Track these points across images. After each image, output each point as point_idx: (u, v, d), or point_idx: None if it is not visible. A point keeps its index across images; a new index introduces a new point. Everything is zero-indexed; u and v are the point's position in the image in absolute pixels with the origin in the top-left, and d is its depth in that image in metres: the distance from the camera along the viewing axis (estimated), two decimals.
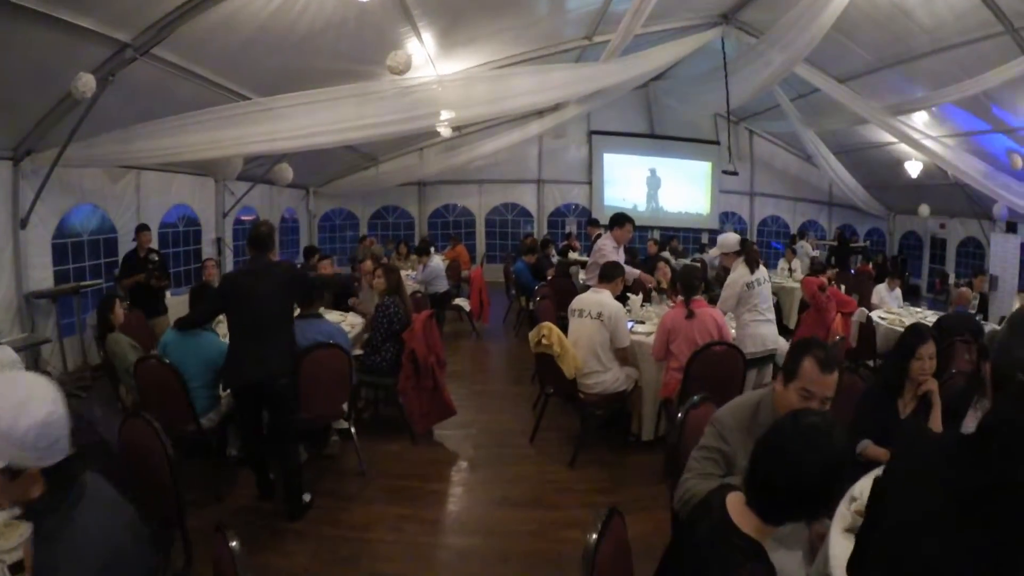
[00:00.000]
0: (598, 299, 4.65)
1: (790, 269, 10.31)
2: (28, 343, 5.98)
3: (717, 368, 4.21)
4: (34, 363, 6.33)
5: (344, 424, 4.43)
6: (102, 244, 7.53)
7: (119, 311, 4.78)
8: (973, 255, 12.66)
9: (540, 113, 12.21)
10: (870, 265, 12.29)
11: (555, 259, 10.51)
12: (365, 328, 5.48)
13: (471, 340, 8.79)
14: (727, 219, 15.75)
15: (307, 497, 3.87)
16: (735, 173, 12.31)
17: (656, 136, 15.02)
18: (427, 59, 7.45)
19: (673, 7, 8.07)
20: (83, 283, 6.87)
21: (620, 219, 6.48)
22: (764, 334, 4.87)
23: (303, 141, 6.40)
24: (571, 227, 14.76)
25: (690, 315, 4.39)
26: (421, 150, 13.62)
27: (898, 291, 8.23)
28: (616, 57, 7.95)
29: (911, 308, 7.83)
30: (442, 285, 8.67)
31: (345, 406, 4.34)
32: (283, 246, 12.66)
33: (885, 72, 8.83)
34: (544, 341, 4.41)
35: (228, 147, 6.20)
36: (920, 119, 9.52)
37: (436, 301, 8.18)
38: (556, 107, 11.83)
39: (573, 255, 11.05)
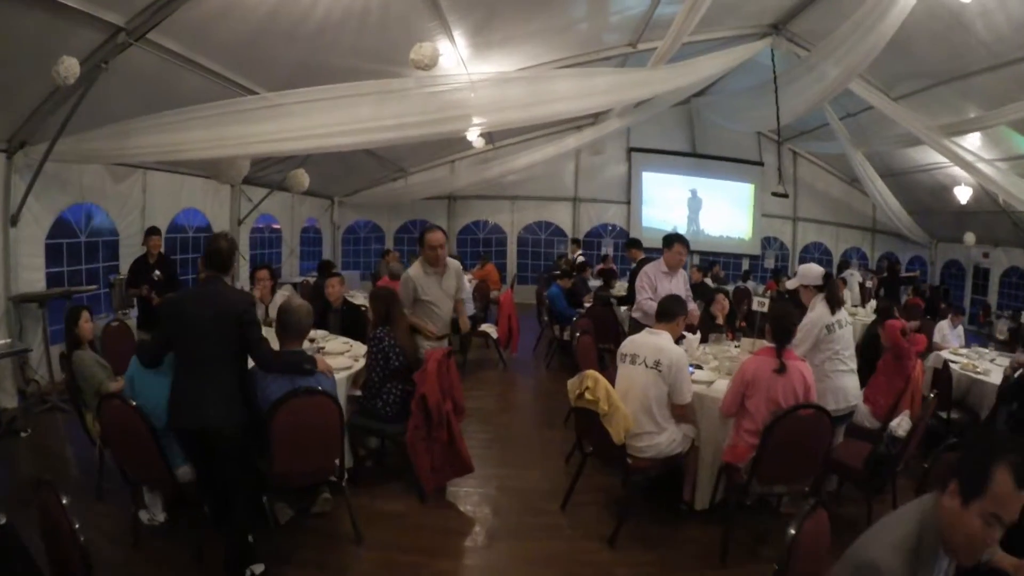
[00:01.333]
0: (656, 343, 3.72)
1: None
2: (8, 351, 5.45)
3: (797, 435, 3.36)
4: (20, 371, 5.91)
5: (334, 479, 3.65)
6: (101, 247, 7.07)
7: (86, 324, 4.21)
8: (1017, 286, 12.17)
9: (578, 127, 11.67)
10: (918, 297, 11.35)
11: (591, 283, 9.72)
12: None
13: (497, 371, 7.99)
14: (769, 244, 15.03)
15: (258, 569, 3.10)
16: (785, 195, 11.50)
17: (698, 155, 14.30)
18: (459, 61, 6.83)
19: (720, 15, 7.43)
20: (75, 288, 6.39)
21: (668, 240, 5.50)
22: (847, 387, 4.16)
23: (316, 142, 5.74)
24: (607, 249, 13.98)
25: (781, 369, 3.47)
26: (452, 162, 13.14)
27: (960, 328, 7.50)
28: (664, 64, 7.25)
29: (980, 349, 6.85)
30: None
31: (337, 461, 3.55)
32: (303, 257, 12.36)
33: (939, 89, 8.30)
34: (588, 396, 3.52)
35: (233, 146, 5.58)
36: (972, 141, 8.86)
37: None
38: (594, 121, 11.27)
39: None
